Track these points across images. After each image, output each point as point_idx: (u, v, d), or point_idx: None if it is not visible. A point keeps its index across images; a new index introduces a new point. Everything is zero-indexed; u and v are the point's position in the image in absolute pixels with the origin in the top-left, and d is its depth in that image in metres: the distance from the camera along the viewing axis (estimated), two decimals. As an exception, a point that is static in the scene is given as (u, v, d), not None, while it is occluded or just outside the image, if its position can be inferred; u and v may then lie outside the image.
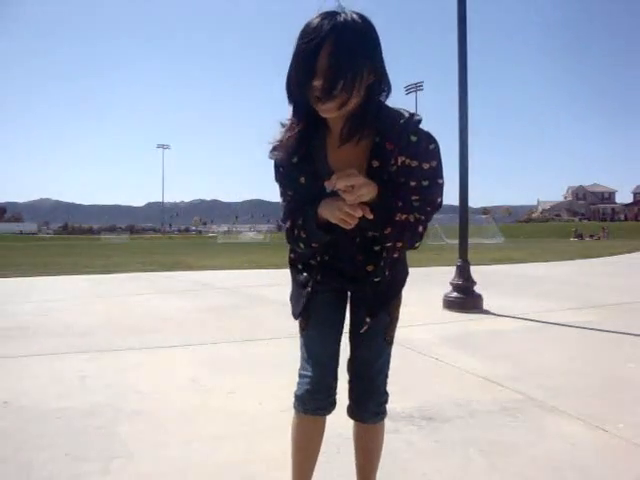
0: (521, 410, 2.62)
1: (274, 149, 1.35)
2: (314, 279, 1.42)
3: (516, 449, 2.18)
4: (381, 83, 1.27)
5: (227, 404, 2.75)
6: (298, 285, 1.48)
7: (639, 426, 2.39)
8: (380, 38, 1.25)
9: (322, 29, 1.17)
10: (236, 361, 3.68)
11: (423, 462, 2.06)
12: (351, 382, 1.51)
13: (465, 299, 5.82)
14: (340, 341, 1.51)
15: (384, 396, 1.51)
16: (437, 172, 1.32)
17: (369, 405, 1.49)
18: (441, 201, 1.35)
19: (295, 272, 1.50)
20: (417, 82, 62.66)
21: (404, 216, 1.27)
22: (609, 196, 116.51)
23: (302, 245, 1.37)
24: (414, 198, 1.30)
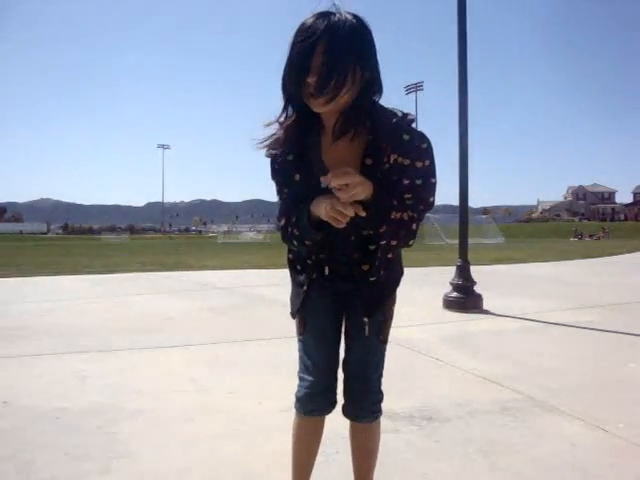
0: (521, 410, 2.63)
1: (270, 146, 1.36)
2: (310, 277, 1.43)
3: (516, 449, 2.18)
4: (374, 82, 1.29)
5: (227, 404, 2.75)
6: (296, 285, 1.50)
7: (639, 426, 2.39)
8: (375, 39, 1.28)
9: (317, 28, 1.20)
10: (236, 361, 3.68)
11: (423, 462, 2.06)
12: (346, 381, 1.52)
13: (465, 299, 5.82)
14: (339, 344, 1.52)
15: (379, 395, 1.51)
16: (430, 171, 1.33)
17: (364, 404, 1.50)
18: (433, 200, 1.37)
19: (294, 272, 1.51)
20: (417, 82, 62.69)
21: (399, 214, 1.29)
22: (609, 196, 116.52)
23: (296, 243, 1.39)
24: (407, 196, 1.31)
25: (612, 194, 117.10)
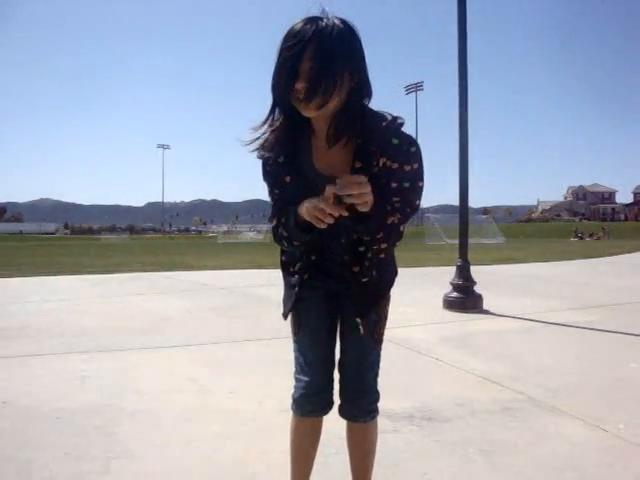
0: (521, 410, 2.63)
1: (261, 148, 1.37)
2: (302, 279, 1.44)
3: (516, 449, 2.18)
4: (363, 86, 1.30)
5: (227, 404, 2.75)
6: (288, 286, 1.51)
7: (639, 426, 2.40)
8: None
9: (305, 34, 1.20)
10: (236, 361, 3.68)
11: (423, 462, 2.06)
12: (342, 382, 1.52)
13: (465, 299, 5.82)
14: (334, 345, 1.53)
15: (375, 395, 1.52)
16: (418, 174, 1.34)
17: (360, 404, 1.50)
18: (419, 204, 1.38)
19: (286, 274, 1.52)
20: (417, 82, 62.73)
21: (392, 218, 1.30)
22: (609, 196, 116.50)
23: (285, 243, 1.40)
24: (395, 199, 1.32)
25: (612, 194, 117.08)
